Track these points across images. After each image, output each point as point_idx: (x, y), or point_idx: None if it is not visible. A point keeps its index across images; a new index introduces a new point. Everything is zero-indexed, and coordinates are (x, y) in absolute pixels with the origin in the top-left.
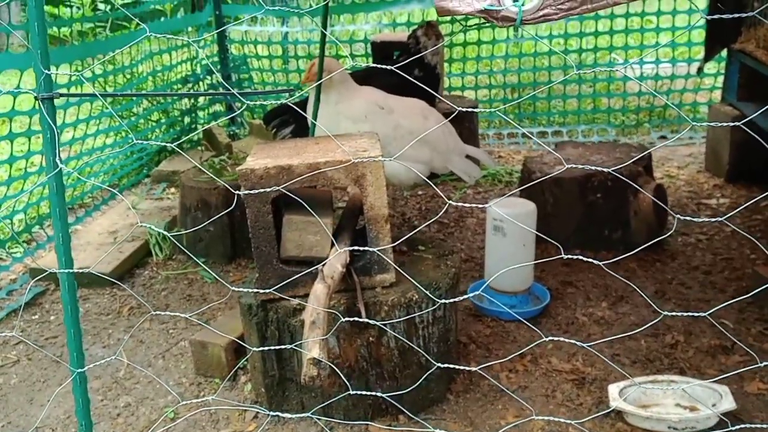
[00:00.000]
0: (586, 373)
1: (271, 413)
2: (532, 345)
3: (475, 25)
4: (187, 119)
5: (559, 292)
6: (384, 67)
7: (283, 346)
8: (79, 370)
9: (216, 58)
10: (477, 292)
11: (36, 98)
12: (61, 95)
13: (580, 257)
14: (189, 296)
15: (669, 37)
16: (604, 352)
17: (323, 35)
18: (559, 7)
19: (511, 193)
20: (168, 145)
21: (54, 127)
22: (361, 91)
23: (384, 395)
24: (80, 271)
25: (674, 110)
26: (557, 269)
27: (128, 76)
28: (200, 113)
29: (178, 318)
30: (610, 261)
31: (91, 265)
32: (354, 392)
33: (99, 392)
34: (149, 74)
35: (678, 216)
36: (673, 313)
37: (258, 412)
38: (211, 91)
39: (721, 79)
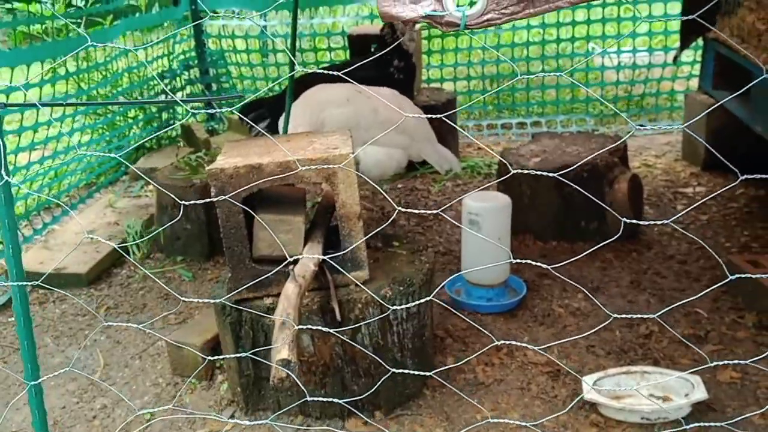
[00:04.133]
0: (560, 365)
1: (230, 421)
2: (483, 349)
3: (422, 29)
4: (165, 115)
5: (535, 284)
6: (368, 60)
7: (251, 351)
8: (33, 383)
9: (193, 53)
10: (449, 293)
11: None
12: (6, 106)
13: (541, 264)
14: (166, 295)
15: (646, 26)
16: (579, 343)
17: (294, 28)
18: (502, 11)
19: (485, 186)
20: (116, 156)
21: (1, 139)
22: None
23: (342, 401)
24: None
25: (651, 99)
26: (533, 260)
27: (104, 73)
28: (178, 109)
29: (155, 317)
30: (574, 258)
31: (68, 266)
32: (311, 399)
33: (75, 394)
34: (125, 70)
35: (624, 219)
36: (621, 316)
37: (235, 412)
38: (154, 100)
39: (698, 67)
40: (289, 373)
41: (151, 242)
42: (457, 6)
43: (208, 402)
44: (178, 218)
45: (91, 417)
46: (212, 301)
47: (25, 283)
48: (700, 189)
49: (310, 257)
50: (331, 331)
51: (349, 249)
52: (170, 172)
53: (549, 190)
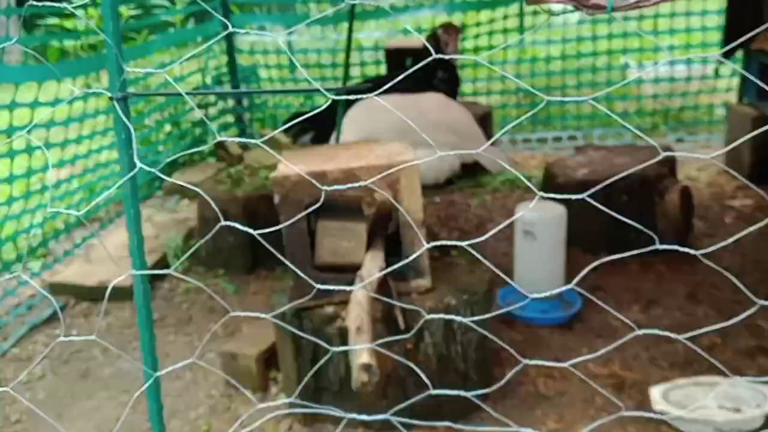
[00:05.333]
0: (624, 377)
1: (343, 415)
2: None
3: (561, 11)
4: (198, 130)
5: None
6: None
7: (335, 349)
8: (156, 374)
9: (225, 69)
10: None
11: (111, 98)
12: (134, 95)
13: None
14: (211, 308)
15: (683, 38)
16: (640, 356)
17: (349, 42)
18: None
19: (538, 197)
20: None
21: (130, 127)
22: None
23: (468, 394)
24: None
25: (690, 112)
26: (586, 274)
27: (140, 89)
28: (211, 124)
29: (202, 330)
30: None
31: (111, 279)
32: (435, 392)
33: (129, 405)
34: (161, 86)
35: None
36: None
37: (292, 424)
38: (285, 89)
39: (735, 80)
40: (412, 366)
41: (191, 255)
42: None
43: (264, 414)
44: (278, 226)
45: (146, 429)
46: (279, 311)
47: (147, 272)
48: (748, 201)
49: (373, 264)
50: (457, 319)
51: (413, 256)
52: (211, 185)
53: (597, 201)
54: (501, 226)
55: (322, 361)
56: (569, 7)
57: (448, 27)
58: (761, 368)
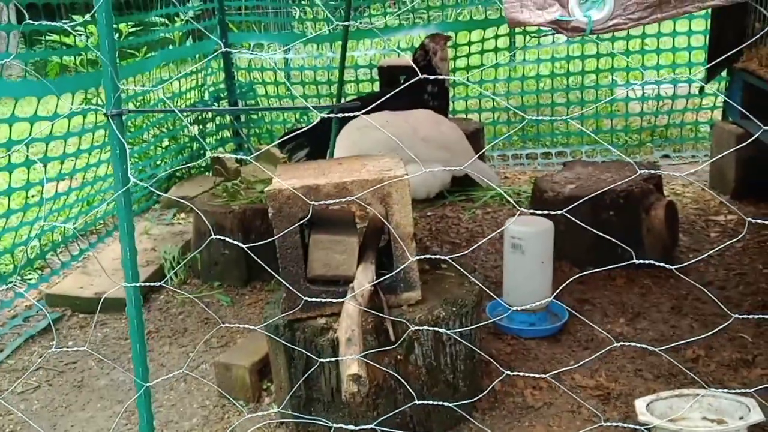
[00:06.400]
0: (610, 389)
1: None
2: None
3: (544, 33)
4: (196, 145)
5: (576, 309)
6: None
7: (332, 359)
8: (147, 385)
9: (222, 85)
10: (507, 313)
11: (105, 115)
12: (130, 112)
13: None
14: (206, 319)
15: (669, 58)
16: (626, 367)
17: (342, 60)
18: (629, 17)
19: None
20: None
21: (124, 142)
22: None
23: (452, 404)
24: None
25: (676, 130)
26: (573, 287)
27: (138, 104)
28: (208, 139)
29: (197, 341)
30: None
31: (108, 291)
32: (420, 402)
33: (123, 416)
34: (159, 101)
35: (751, 220)
36: (744, 316)
37: None
38: (287, 106)
39: (720, 98)
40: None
41: (187, 268)
42: (584, 12)
43: (257, 424)
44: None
45: None
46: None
47: (138, 284)
48: (732, 217)
49: (365, 276)
50: (446, 333)
51: (402, 268)
52: (207, 199)
53: (584, 216)
54: (486, 239)
55: (310, 371)
56: (549, 30)
57: (435, 36)
58: (745, 380)
